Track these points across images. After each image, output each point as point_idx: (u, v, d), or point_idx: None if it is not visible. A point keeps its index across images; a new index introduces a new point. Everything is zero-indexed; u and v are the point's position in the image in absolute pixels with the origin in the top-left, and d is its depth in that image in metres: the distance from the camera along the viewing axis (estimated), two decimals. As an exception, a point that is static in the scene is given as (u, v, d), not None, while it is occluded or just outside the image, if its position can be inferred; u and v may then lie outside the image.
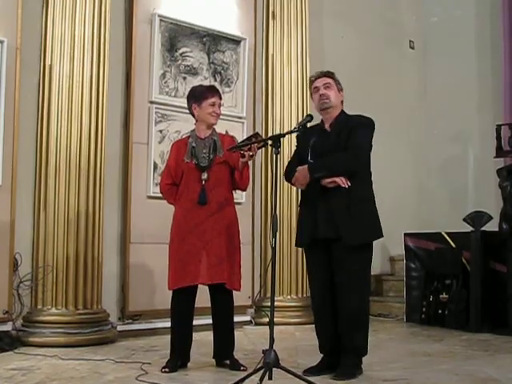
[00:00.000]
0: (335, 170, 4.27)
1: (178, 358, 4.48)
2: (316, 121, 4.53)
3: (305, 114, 6.25)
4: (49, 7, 5.58)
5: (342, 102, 4.52)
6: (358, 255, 4.27)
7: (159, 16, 6.29)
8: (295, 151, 4.72)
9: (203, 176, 4.50)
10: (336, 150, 4.31)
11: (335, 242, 4.27)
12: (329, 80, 4.47)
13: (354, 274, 4.26)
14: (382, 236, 4.40)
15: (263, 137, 4.64)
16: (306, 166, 4.33)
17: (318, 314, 4.51)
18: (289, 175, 4.51)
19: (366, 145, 4.35)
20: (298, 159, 4.52)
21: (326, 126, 4.47)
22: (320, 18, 7.84)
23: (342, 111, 4.51)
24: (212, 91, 4.65)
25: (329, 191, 4.27)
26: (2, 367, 4.46)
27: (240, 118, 6.85)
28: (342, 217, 4.25)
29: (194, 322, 4.60)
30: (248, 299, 6.61)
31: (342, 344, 4.34)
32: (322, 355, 4.47)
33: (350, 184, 4.24)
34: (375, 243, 4.41)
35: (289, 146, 6.90)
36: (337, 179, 4.24)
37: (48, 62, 5.56)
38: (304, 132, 4.44)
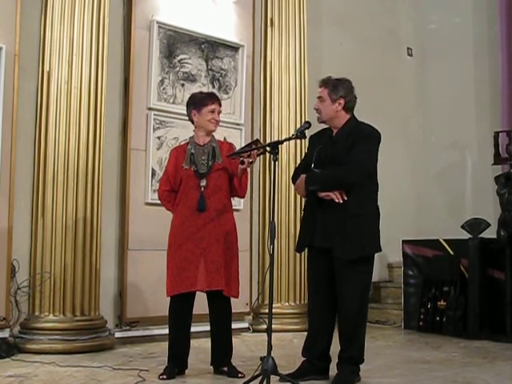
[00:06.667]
0: (328, 186, 4.25)
1: (176, 365, 4.47)
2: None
3: (303, 121, 6.25)
4: (47, 13, 5.58)
5: (346, 108, 4.37)
6: (356, 268, 4.24)
7: (158, 23, 6.29)
8: (305, 156, 4.72)
9: (202, 183, 4.49)
10: (338, 159, 4.27)
11: (333, 251, 4.27)
12: (322, 92, 4.40)
13: (351, 286, 4.25)
14: (379, 251, 4.37)
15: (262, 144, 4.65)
16: (304, 177, 4.34)
17: (313, 317, 4.50)
18: (294, 181, 4.52)
19: (364, 160, 4.26)
20: (305, 165, 4.51)
21: (333, 133, 4.44)
22: (318, 25, 7.86)
23: (352, 118, 4.42)
24: (212, 98, 4.65)
25: (327, 202, 4.26)
26: (0, 374, 4.45)
27: (238, 124, 6.85)
28: (335, 230, 4.24)
29: (192, 329, 4.59)
30: (246, 306, 6.60)
31: (340, 352, 4.34)
32: (303, 359, 4.44)
33: (345, 199, 4.21)
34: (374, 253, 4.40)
35: (287, 152, 6.93)
36: (331, 194, 4.23)
37: (46, 69, 5.55)
38: (314, 137, 4.47)
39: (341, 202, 4.21)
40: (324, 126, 4.53)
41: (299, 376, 4.26)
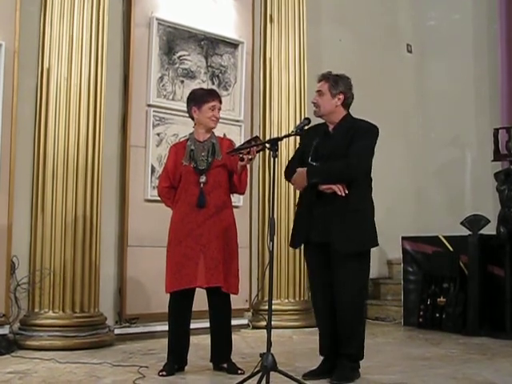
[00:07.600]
0: (331, 178, 4.24)
1: (176, 362, 4.48)
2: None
3: (302, 118, 6.24)
4: (47, 10, 5.58)
5: (344, 104, 4.38)
6: (353, 263, 4.24)
7: (157, 19, 6.28)
8: (297, 149, 4.69)
9: (201, 179, 4.49)
10: (337, 154, 4.26)
11: (330, 246, 4.25)
12: (322, 86, 4.39)
13: (349, 282, 4.24)
14: (376, 245, 4.37)
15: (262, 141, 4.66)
16: (304, 169, 4.31)
17: (318, 314, 4.50)
18: (289, 175, 4.50)
19: (365, 155, 4.29)
20: (299, 158, 4.49)
21: (330, 128, 4.43)
22: (318, 22, 7.85)
23: (348, 115, 4.42)
24: (212, 95, 4.65)
25: (326, 196, 4.25)
26: (0, 371, 4.45)
27: (238, 121, 6.84)
28: (335, 224, 4.23)
29: (192, 326, 4.59)
30: (245, 302, 6.60)
31: (339, 348, 4.33)
32: (321, 358, 4.45)
33: (347, 192, 4.21)
34: (373, 247, 4.41)
35: (286, 149, 6.92)
36: (334, 186, 4.21)
37: (46, 65, 5.55)
38: (308, 131, 4.42)
39: (343, 195, 4.20)
40: (320, 120, 4.52)
41: (315, 374, 4.27)
